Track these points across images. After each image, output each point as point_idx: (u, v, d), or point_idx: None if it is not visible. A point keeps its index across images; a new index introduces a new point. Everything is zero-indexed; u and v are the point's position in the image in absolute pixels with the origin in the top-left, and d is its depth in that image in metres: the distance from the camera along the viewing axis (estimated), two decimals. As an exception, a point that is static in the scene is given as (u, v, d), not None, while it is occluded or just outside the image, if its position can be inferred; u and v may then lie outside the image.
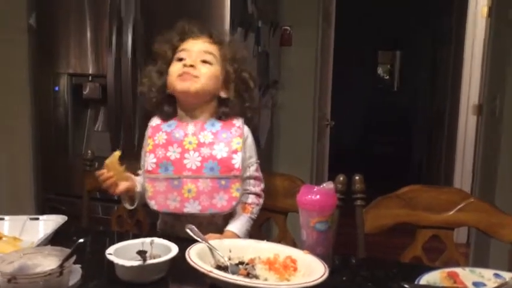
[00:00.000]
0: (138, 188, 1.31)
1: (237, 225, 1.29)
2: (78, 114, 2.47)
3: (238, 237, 1.27)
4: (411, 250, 1.37)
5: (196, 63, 1.27)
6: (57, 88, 2.40)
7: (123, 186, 1.25)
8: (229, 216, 1.34)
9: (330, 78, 3.54)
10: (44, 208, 2.47)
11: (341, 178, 1.38)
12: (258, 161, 1.38)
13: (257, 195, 1.37)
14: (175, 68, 1.28)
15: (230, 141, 1.29)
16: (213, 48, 1.31)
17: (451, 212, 1.36)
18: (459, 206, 1.36)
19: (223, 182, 1.27)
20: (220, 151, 1.27)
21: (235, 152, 1.28)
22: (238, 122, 1.33)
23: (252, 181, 1.36)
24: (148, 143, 1.32)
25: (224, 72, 1.31)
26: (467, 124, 3.65)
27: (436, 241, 1.38)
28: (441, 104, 4.60)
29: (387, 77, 7.67)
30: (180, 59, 1.29)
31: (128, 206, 1.33)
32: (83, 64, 2.35)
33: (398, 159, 6.59)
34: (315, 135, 3.15)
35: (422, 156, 5.82)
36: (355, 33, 6.37)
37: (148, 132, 1.35)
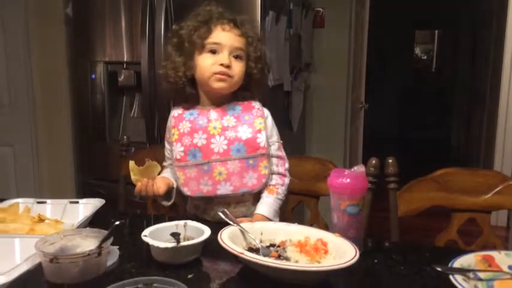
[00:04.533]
0: (175, 184, 1.34)
1: (264, 208, 1.31)
2: (115, 101, 2.53)
3: (268, 219, 1.29)
4: (446, 234, 1.35)
5: (230, 61, 1.28)
6: (93, 76, 2.47)
7: (163, 186, 1.27)
8: (258, 196, 1.36)
9: (365, 60, 3.48)
10: (83, 192, 2.57)
11: (373, 161, 1.37)
12: (281, 141, 1.40)
13: (281, 175, 1.38)
14: (208, 63, 1.28)
15: (253, 122, 1.33)
16: (242, 43, 1.31)
17: (488, 195, 1.33)
18: (497, 189, 1.32)
19: (251, 161, 1.30)
20: (244, 132, 1.31)
21: (259, 131, 1.32)
22: (256, 104, 1.37)
23: (274, 160, 1.36)
24: (173, 133, 1.34)
25: (249, 64, 1.34)
26: (508, 105, 3.51)
27: (473, 224, 1.35)
28: (481, 84, 4.45)
29: (425, 57, 7.45)
30: (213, 52, 1.29)
31: (166, 203, 1.35)
32: (118, 52, 2.40)
33: (436, 142, 6.43)
34: (349, 118, 3.11)
35: (461, 139, 5.66)
36: (391, 12, 6.20)
37: (172, 122, 1.36)
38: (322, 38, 3.02)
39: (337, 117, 3.06)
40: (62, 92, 2.79)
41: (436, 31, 7.22)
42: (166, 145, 1.40)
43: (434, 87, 6.98)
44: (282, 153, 1.39)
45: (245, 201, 1.36)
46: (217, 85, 1.29)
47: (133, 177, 1.24)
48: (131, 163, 1.23)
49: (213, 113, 1.34)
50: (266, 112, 1.38)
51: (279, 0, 2.38)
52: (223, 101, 1.35)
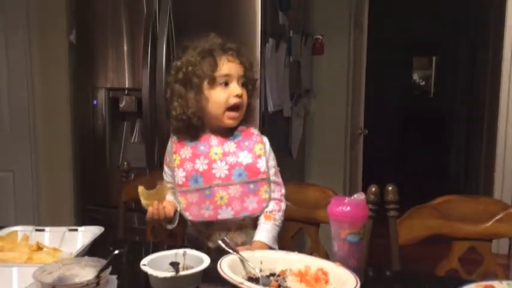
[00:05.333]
0: (178, 207, 1.34)
1: (263, 234, 1.31)
2: (115, 126, 2.54)
3: (267, 245, 1.29)
4: (447, 262, 1.34)
5: (241, 91, 1.32)
6: (95, 102, 2.48)
7: (171, 208, 1.29)
8: (257, 221, 1.36)
9: (363, 86, 3.51)
10: (83, 218, 2.55)
11: (373, 189, 1.37)
12: (278, 168, 1.42)
13: (278, 200, 1.39)
14: (222, 97, 1.31)
15: (253, 148, 1.35)
16: (243, 71, 1.35)
17: (489, 223, 1.32)
18: (497, 217, 1.32)
19: (251, 186, 1.33)
20: (245, 158, 1.34)
21: (259, 156, 1.35)
22: (255, 131, 1.40)
23: (271, 186, 1.37)
24: (174, 159, 1.36)
25: (249, 87, 1.38)
26: (507, 131, 3.52)
27: (474, 253, 1.34)
28: (479, 110, 4.48)
29: (423, 83, 7.52)
30: (224, 84, 1.31)
31: (170, 226, 1.35)
32: (120, 78, 2.42)
33: (435, 169, 6.42)
34: (348, 144, 3.12)
35: (461, 164, 5.66)
36: (389, 39, 6.30)
37: (173, 148, 1.38)
38: (321, 64, 3.06)
39: (336, 143, 3.07)
40: (63, 118, 2.80)
41: (434, 57, 7.30)
42: (166, 169, 1.41)
43: (433, 112, 7.02)
44: (279, 179, 1.41)
45: (246, 227, 1.37)
46: (229, 122, 1.33)
47: (143, 202, 1.25)
48: (140, 188, 1.25)
49: (214, 140, 1.36)
50: (264, 139, 1.41)
51: (279, 28, 2.42)
52: (224, 129, 1.37)
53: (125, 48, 2.38)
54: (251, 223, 1.37)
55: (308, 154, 3.10)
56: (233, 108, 1.32)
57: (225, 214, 1.32)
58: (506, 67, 3.50)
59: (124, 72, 2.40)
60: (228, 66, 1.32)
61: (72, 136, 2.78)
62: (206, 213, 1.33)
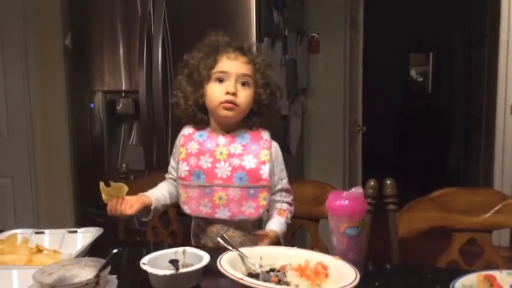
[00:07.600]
0: (154, 205, 1.35)
1: (276, 225, 1.32)
2: (113, 129, 2.54)
3: (278, 235, 1.30)
4: (447, 254, 1.34)
5: (236, 89, 1.31)
6: (92, 105, 2.48)
7: (134, 206, 1.29)
8: (256, 222, 1.37)
9: (361, 83, 3.51)
10: (82, 221, 2.55)
11: (372, 183, 1.37)
12: (287, 175, 1.42)
13: (289, 204, 1.42)
14: (216, 93, 1.31)
15: (258, 153, 1.34)
16: (249, 70, 1.33)
17: (488, 214, 1.32)
18: (496, 208, 1.32)
19: (251, 191, 1.32)
20: (249, 162, 1.33)
21: (263, 163, 1.33)
22: (265, 135, 1.38)
23: (283, 193, 1.40)
24: (181, 151, 1.37)
25: (257, 90, 1.35)
26: (505, 125, 3.53)
27: (475, 245, 1.34)
28: (477, 105, 4.48)
29: (420, 79, 7.53)
30: (220, 80, 1.32)
31: (144, 219, 1.38)
32: (117, 81, 2.42)
33: (434, 164, 6.43)
34: (346, 141, 3.12)
35: (460, 160, 5.66)
36: (385, 36, 6.31)
37: (181, 140, 1.39)
38: (317, 63, 3.07)
39: (335, 140, 3.08)
40: (60, 122, 2.80)
41: (431, 53, 7.31)
42: (172, 163, 1.44)
43: (431, 108, 7.03)
44: (289, 186, 1.42)
45: (244, 227, 1.37)
46: (224, 113, 1.31)
47: (103, 197, 1.28)
48: (101, 184, 1.26)
49: (222, 139, 1.36)
50: (275, 146, 1.39)
51: (274, 27, 2.42)
52: (233, 127, 1.37)
53: (121, 50, 2.38)
54: (250, 224, 1.37)
55: (307, 152, 3.10)
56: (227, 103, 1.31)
57: (222, 214, 1.33)
58: (503, 62, 3.51)
59: (120, 75, 2.40)
60: (226, 64, 1.31)
61: (70, 140, 2.79)
62: (204, 210, 1.34)
